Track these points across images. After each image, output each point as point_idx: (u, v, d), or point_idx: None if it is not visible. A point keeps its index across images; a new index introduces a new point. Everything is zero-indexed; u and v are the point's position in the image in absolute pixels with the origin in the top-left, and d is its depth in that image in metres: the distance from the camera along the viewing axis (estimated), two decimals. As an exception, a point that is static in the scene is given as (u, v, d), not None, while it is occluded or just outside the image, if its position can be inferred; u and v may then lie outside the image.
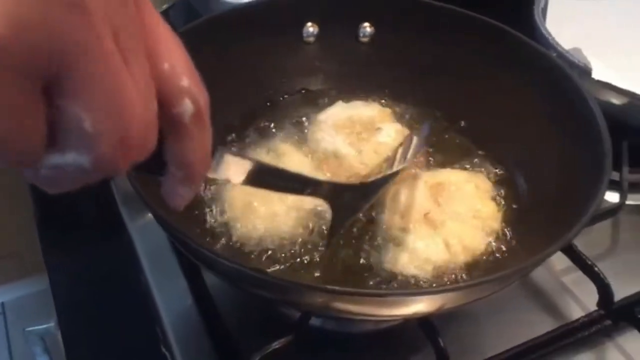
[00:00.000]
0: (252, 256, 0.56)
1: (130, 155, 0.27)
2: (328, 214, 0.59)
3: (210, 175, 0.38)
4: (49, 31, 0.23)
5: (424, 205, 0.58)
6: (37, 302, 1.81)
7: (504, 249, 0.58)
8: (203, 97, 0.32)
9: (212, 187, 0.61)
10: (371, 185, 0.52)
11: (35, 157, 0.26)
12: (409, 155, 0.57)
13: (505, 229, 0.59)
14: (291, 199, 0.58)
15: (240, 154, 0.39)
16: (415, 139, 0.60)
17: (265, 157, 0.63)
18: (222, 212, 0.59)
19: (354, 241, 0.58)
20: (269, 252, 0.56)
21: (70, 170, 0.26)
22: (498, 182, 0.64)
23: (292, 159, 0.63)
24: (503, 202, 0.62)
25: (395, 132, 0.67)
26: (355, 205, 0.51)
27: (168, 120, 0.31)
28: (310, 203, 0.58)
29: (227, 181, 0.40)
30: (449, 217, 0.57)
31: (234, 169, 0.39)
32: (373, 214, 0.60)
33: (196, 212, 0.59)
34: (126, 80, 0.26)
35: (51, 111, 0.25)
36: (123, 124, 0.26)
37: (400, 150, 0.59)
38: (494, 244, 0.58)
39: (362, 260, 0.56)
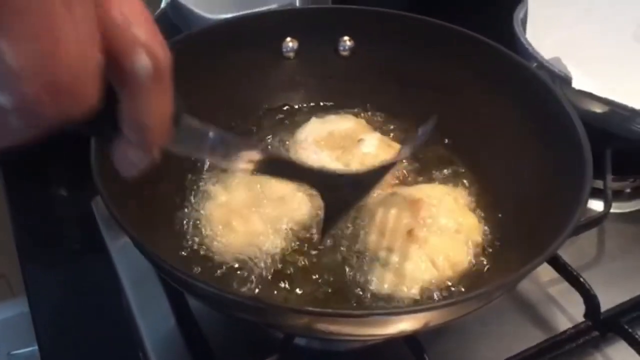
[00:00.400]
0: (232, 277, 0.55)
1: (61, 103, 0.25)
2: (307, 231, 0.59)
3: (224, 165, 0.37)
4: None
5: (406, 223, 0.57)
6: (21, 324, 1.78)
7: (489, 261, 0.57)
8: (162, 52, 0.29)
9: (189, 208, 0.60)
10: (366, 175, 0.51)
11: None
12: (405, 149, 0.56)
13: (489, 241, 0.59)
14: (268, 217, 0.57)
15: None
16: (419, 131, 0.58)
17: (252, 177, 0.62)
18: (201, 232, 0.58)
19: (340, 261, 0.57)
20: (249, 271, 0.55)
21: None
22: (480, 194, 0.63)
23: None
24: (483, 215, 0.61)
25: (378, 141, 0.66)
26: (348, 197, 0.49)
27: (121, 75, 0.28)
28: (288, 221, 0.58)
29: (236, 169, 0.39)
30: (432, 233, 0.56)
31: (243, 157, 0.38)
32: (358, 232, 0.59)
33: (175, 232, 0.58)
34: (61, 17, 0.24)
35: None
36: (51, 64, 0.24)
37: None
38: (479, 257, 0.57)
39: (348, 282, 0.55)
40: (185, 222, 0.59)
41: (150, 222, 0.54)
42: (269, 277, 0.55)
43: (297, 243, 0.58)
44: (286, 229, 0.58)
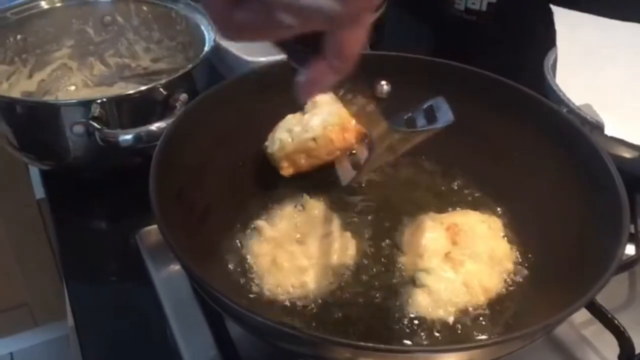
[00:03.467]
0: (276, 308, 0.57)
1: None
2: (352, 266, 0.61)
3: None
4: None
5: (443, 245, 0.59)
6: (45, 352, 1.80)
7: (520, 290, 0.59)
8: None
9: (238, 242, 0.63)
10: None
11: None
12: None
13: (520, 271, 0.61)
14: (315, 254, 0.59)
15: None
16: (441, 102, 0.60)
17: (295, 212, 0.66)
18: (246, 264, 0.61)
19: (376, 283, 0.59)
20: (292, 303, 0.58)
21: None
22: (513, 233, 0.65)
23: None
24: (516, 248, 0.63)
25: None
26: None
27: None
28: (336, 259, 0.60)
29: None
30: (468, 257, 0.58)
31: None
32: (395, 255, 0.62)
33: (220, 261, 0.61)
34: None
35: None
36: None
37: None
38: (510, 285, 0.59)
39: (383, 302, 0.57)
40: (230, 254, 0.62)
41: (199, 254, 0.57)
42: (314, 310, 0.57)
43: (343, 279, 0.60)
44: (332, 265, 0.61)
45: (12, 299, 1.67)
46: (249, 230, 0.64)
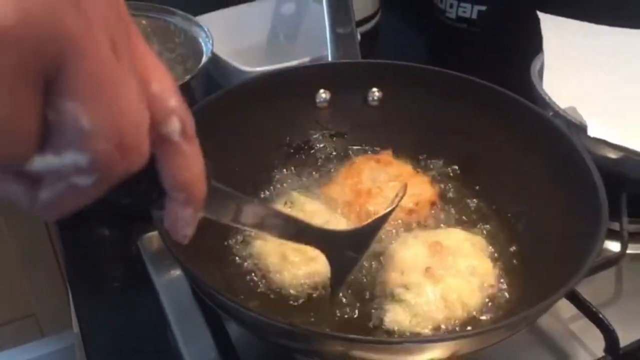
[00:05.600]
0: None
1: (128, 158, 0.29)
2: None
3: (225, 221, 0.40)
4: (55, 23, 0.25)
5: (424, 261, 0.61)
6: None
7: (500, 304, 0.61)
8: (189, 116, 0.34)
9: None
10: (366, 229, 0.55)
11: (27, 149, 0.26)
12: (397, 199, 0.59)
13: (503, 286, 0.62)
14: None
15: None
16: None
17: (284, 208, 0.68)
18: (251, 265, 0.64)
19: (353, 298, 0.61)
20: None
21: (67, 172, 0.27)
22: (494, 236, 0.68)
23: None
24: (498, 257, 0.65)
25: None
26: (352, 255, 0.53)
27: (159, 140, 0.32)
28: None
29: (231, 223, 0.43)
30: (448, 274, 0.60)
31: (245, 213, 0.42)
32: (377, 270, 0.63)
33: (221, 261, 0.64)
34: (124, 82, 0.28)
35: (48, 112, 0.26)
36: (121, 124, 0.28)
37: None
38: (490, 301, 0.61)
39: (361, 318, 0.59)
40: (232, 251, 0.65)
41: (200, 256, 0.59)
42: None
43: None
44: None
45: (19, 310, 1.68)
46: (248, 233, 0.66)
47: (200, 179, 0.35)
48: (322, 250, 0.51)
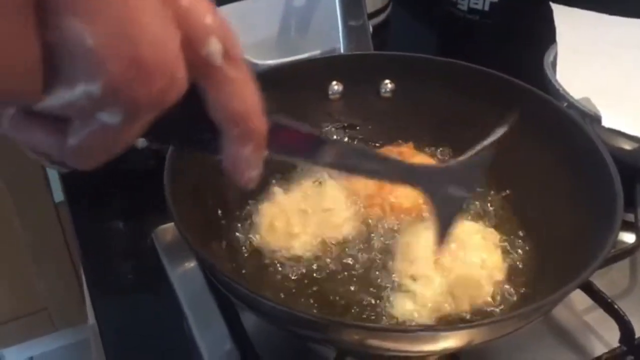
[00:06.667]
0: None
1: (153, 83, 0.24)
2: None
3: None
4: None
5: (434, 253, 0.61)
6: (64, 356, 1.84)
7: (511, 297, 0.60)
8: (232, 37, 0.29)
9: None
10: (474, 162, 0.49)
11: (34, 87, 0.23)
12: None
13: (514, 279, 0.62)
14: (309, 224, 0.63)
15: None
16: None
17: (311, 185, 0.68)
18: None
19: (361, 285, 0.61)
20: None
21: (85, 106, 0.24)
22: (506, 228, 0.67)
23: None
24: (510, 249, 0.65)
25: None
26: (457, 194, 0.47)
27: (201, 66, 0.28)
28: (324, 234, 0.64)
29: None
30: (457, 266, 0.60)
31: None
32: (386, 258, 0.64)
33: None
34: None
35: (48, 35, 0.23)
36: (135, 39, 0.23)
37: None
38: (500, 295, 0.61)
39: (369, 307, 0.59)
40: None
41: (215, 246, 0.60)
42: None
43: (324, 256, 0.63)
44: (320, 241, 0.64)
45: (32, 304, 1.70)
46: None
47: (254, 109, 0.30)
48: (422, 190, 0.44)
